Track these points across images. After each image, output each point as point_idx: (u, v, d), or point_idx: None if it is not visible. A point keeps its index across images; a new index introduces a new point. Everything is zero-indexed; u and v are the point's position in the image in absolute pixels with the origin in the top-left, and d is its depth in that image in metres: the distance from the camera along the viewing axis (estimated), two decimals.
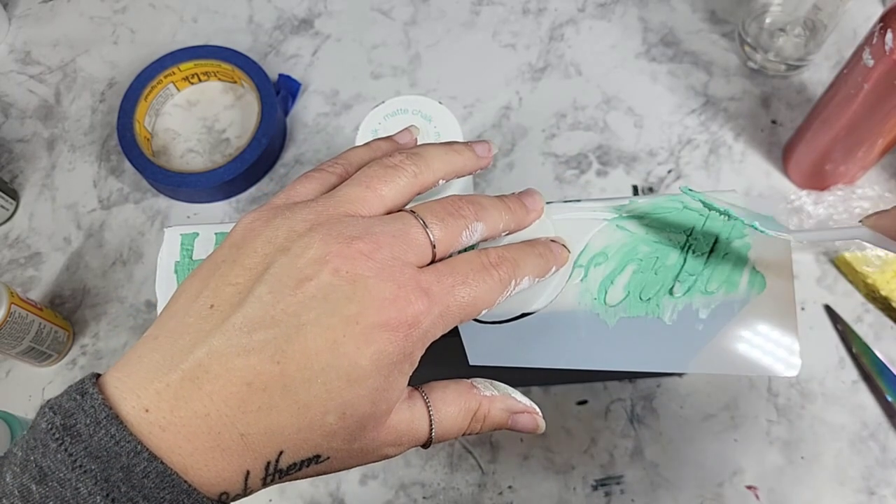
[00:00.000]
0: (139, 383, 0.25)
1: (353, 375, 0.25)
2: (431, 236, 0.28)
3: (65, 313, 0.58)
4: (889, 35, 0.44)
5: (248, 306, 0.25)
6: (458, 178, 0.32)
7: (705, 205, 0.33)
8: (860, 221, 0.30)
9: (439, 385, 0.30)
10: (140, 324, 0.57)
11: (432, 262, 0.29)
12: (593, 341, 0.33)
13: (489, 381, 0.31)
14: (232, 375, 0.25)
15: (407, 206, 0.30)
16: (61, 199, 0.62)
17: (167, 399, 0.24)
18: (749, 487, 0.50)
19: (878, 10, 0.63)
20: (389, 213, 0.29)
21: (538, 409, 0.32)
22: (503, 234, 0.32)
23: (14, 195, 0.62)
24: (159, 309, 0.35)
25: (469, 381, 0.31)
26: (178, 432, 0.24)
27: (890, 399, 0.51)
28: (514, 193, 0.33)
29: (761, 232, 0.31)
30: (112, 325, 0.57)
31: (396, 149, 0.33)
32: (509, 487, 0.51)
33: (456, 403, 0.30)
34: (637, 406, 0.53)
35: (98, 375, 0.26)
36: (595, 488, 0.51)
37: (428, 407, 0.29)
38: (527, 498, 0.51)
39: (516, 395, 0.32)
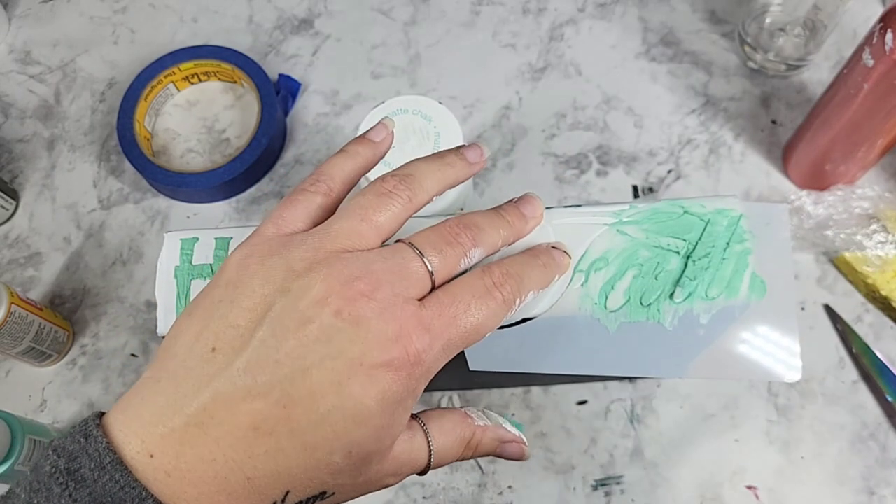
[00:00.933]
0: (143, 427, 0.25)
1: (359, 416, 0.26)
2: (430, 267, 0.28)
3: (65, 313, 0.58)
4: (889, 35, 0.44)
5: (252, 350, 0.25)
6: (453, 188, 0.32)
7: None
8: None
9: (436, 414, 0.31)
10: (140, 324, 0.57)
11: (432, 289, 0.29)
12: (594, 347, 0.33)
13: (481, 410, 0.32)
14: (238, 420, 0.25)
15: (404, 229, 0.30)
16: (61, 199, 0.62)
17: (172, 444, 0.24)
18: (749, 487, 0.50)
19: (878, 10, 0.63)
20: (385, 241, 0.29)
21: (525, 439, 0.33)
22: (502, 247, 0.32)
23: (14, 195, 0.62)
24: (159, 313, 0.35)
25: (463, 410, 0.32)
26: (183, 478, 0.24)
27: (890, 399, 0.51)
28: (512, 201, 0.33)
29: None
30: (112, 325, 0.57)
31: (375, 152, 0.32)
32: (509, 487, 0.51)
33: (452, 433, 0.30)
34: (637, 406, 0.53)
35: (101, 415, 0.26)
36: (595, 488, 0.51)
37: (427, 437, 0.30)
38: (527, 498, 0.51)
39: (506, 424, 0.32)
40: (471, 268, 0.30)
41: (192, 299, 0.34)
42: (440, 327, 0.27)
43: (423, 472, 0.30)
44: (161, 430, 0.24)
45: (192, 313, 0.27)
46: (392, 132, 0.33)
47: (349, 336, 0.26)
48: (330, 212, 0.30)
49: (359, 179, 0.31)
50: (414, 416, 0.30)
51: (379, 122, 0.33)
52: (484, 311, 0.28)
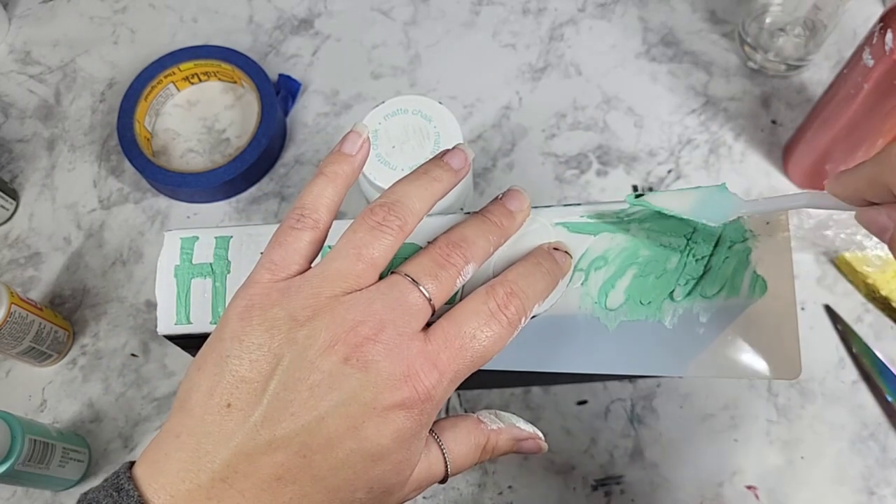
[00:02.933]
0: (170, 481, 0.26)
1: (377, 455, 0.27)
2: (427, 294, 0.29)
3: (65, 313, 0.58)
4: (889, 35, 0.44)
5: (266, 404, 0.26)
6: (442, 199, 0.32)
7: (650, 208, 0.33)
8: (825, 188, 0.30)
9: (449, 424, 0.31)
10: (140, 324, 0.57)
11: (433, 312, 0.29)
12: (594, 345, 0.33)
13: (494, 412, 0.33)
14: (261, 472, 0.26)
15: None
16: (61, 199, 0.62)
17: (200, 499, 0.25)
18: (749, 487, 0.50)
19: (878, 10, 0.63)
20: (381, 271, 0.29)
21: (541, 434, 0.33)
22: (495, 252, 0.32)
23: (14, 195, 0.62)
24: (159, 312, 0.35)
25: (475, 415, 0.32)
26: None
27: (890, 399, 0.51)
28: (497, 198, 0.33)
29: (706, 224, 0.32)
30: (112, 325, 0.57)
31: (354, 166, 0.31)
32: (509, 487, 0.51)
33: (466, 441, 0.31)
34: (637, 406, 0.53)
35: (131, 465, 0.27)
36: (595, 488, 0.51)
37: (442, 449, 0.30)
38: (527, 498, 0.51)
39: (520, 423, 0.33)
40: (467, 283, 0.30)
41: (190, 305, 0.35)
42: (447, 360, 0.28)
43: (442, 482, 0.31)
44: (188, 485, 0.25)
45: (202, 367, 0.28)
46: (367, 138, 0.32)
47: (360, 381, 0.26)
48: (320, 244, 0.30)
49: (342, 200, 0.31)
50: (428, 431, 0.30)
51: (351, 131, 0.32)
52: (490, 337, 0.29)
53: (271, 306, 0.28)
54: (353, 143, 0.31)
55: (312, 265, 0.30)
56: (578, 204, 0.35)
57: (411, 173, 0.31)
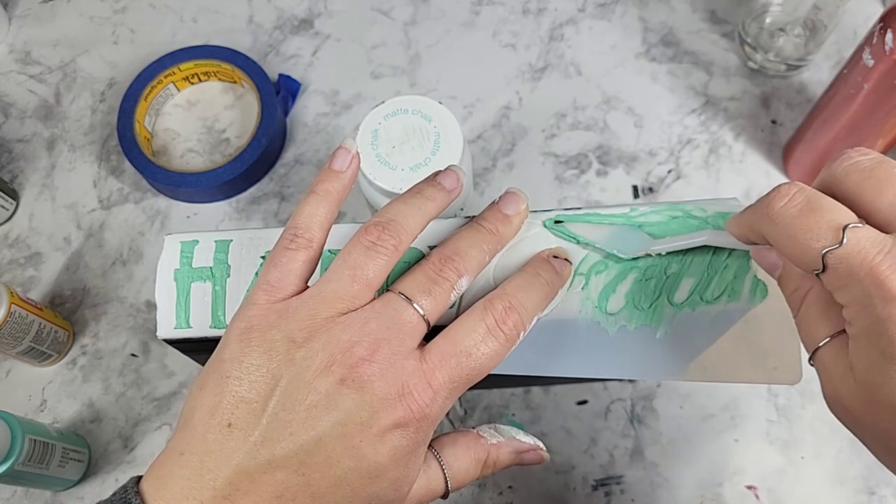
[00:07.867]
0: (174, 498, 0.26)
1: (374, 472, 0.27)
2: (421, 311, 0.29)
3: (65, 313, 0.58)
4: (889, 35, 0.44)
5: (266, 424, 0.27)
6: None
7: (567, 236, 0.34)
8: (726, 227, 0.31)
9: (449, 440, 0.32)
10: (140, 324, 0.57)
11: (428, 327, 0.29)
12: (594, 349, 0.33)
13: (493, 426, 0.33)
14: (261, 491, 0.26)
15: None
16: (61, 199, 0.62)
17: None
18: (749, 487, 0.50)
19: (878, 10, 0.63)
20: (376, 290, 0.30)
21: (541, 444, 0.34)
22: (491, 260, 0.32)
23: (14, 195, 0.62)
24: (159, 316, 0.35)
25: (475, 430, 0.32)
26: None
27: None
28: (493, 202, 0.33)
29: (618, 256, 0.33)
30: (112, 325, 0.57)
31: (344, 182, 0.31)
32: (509, 487, 0.51)
33: (466, 457, 0.31)
34: (637, 406, 0.53)
35: (139, 480, 0.27)
36: (595, 488, 0.51)
37: (441, 465, 0.31)
38: (527, 498, 0.51)
39: (520, 435, 0.33)
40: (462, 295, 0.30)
41: (190, 308, 0.35)
42: (442, 379, 0.28)
43: (443, 497, 0.31)
44: (191, 502, 0.26)
45: (204, 387, 0.28)
46: (356, 153, 0.32)
47: (355, 401, 0.27)
48: (315, 262, 0.31)
49: (335, 216, 0.31)
50: (428, 447, 0.31)
51: (340, 147, 0.32)
52: (486, 354, 0.29)
53: (269, 328, 0.28)
54: (342, 160, 0.32)
55: (309, 283, 0.30)
56: (579, 208, 0.35)
57: (405, 193, 0.31)
